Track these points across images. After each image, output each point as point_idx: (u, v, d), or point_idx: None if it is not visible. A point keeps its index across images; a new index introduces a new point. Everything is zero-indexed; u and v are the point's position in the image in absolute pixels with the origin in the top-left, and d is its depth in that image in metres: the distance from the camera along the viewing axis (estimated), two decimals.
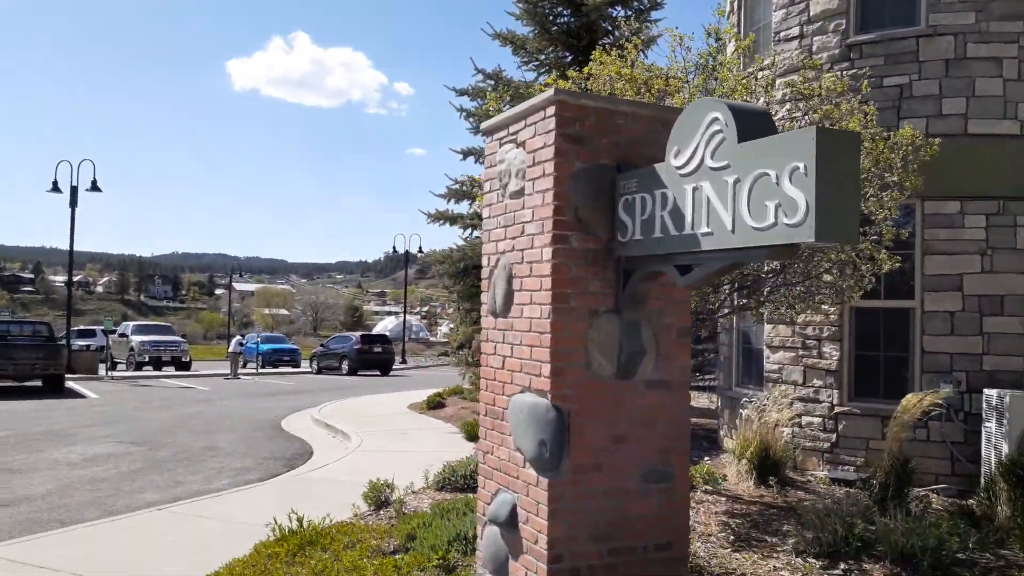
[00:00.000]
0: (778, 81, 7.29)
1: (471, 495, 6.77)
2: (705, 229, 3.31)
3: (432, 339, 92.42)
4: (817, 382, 8.04)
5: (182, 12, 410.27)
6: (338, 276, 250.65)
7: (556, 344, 3.83)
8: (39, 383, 19.02)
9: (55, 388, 18.65)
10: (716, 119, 3.28)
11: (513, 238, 4.22)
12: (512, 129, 4.31)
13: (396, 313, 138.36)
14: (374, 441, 10.72)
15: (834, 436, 7.92)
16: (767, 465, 7.27)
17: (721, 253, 3.30)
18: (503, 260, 4.33)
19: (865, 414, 7.74)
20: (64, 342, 21.41)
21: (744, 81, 6.21)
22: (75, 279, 29.33)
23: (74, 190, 25.87)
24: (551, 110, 3.90)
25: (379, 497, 6.76)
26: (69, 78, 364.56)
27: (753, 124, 3.23)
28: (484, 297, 4.57)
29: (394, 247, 45.54)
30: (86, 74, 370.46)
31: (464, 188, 11.93)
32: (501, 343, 4.30)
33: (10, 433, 11.60)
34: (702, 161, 3.35)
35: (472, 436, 10.72)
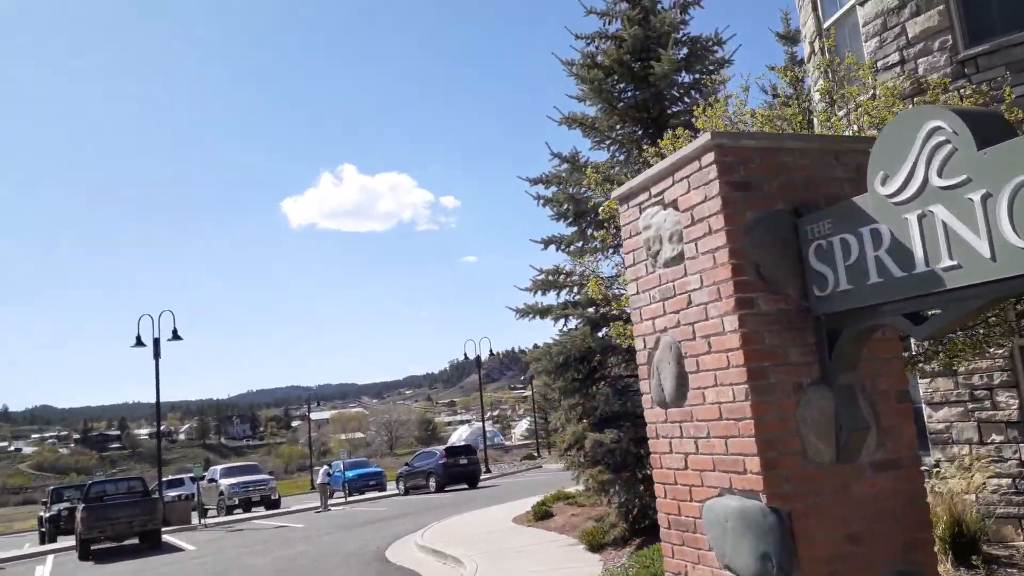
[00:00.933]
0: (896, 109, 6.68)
1: None
2: (948, 263, 2.65)
3: (507, 443, 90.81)
4: (997, 437, 7.01)
5: (234, 162, 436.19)
6: (407, 391, 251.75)
7: (761, 431, 3.14)
8: (136, 540, 18.72)
9: (153, 544, 18.28)
10: (938, 129, 2.68)
11: (676, 312, 3.61)
12: (655, 190, 3.78)
13: (468, 421, 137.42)
14: (489, 565, 9.86)
15: None
16: (962, 542, 6.24)
17: (977, 289, 2.62)
18: (665, 339, 3.70)
19: None
20: (158, 495, 21.21)
21: (871, 110, 5.61)
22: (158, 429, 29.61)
23: (156, 342, 26.32)
24: (709, 157, 3.35)
25: None
26: (134, 235, 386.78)
27: (988, 127, 2.61)
28: (644, 386, 3.92)
29: (465, 353, 45.21)
30: (148, 230, 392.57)
31: (551, 278, 11.46)
32: (679, 438, 3.62)
33: None
34: (925, 182, 2.73)
35: (594, 547, 9.79)
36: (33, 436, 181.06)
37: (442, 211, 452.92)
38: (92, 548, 17.90)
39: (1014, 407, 6.90)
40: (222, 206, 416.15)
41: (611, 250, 10.24)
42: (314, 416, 77.27)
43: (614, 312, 10.44)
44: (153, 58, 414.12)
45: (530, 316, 12.01)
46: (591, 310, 10.86)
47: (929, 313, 2.93)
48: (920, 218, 2.75)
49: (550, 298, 11.59)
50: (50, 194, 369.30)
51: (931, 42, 7.42)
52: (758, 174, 3.36)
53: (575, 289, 11.93)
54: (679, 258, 3.59)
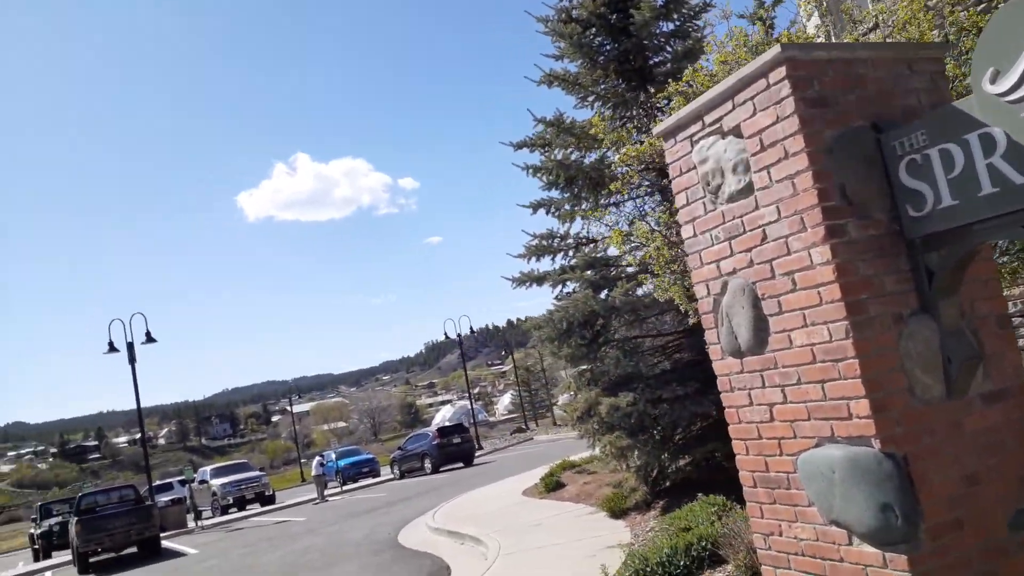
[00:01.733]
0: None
1: None
2: None
3: (492, 419, 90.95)
4: None
5: (180, 158, 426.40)
6: (384, 377, 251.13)
7: (867, 370, 2.83)
8: (135, 549, 18.25)
9: (153, 551, 17.81)
10: None
11: (748, 250, 3.28)
12: (711, 118, 3.43)
13: (449, 401, 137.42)
14: (509, 540, 9.60)
15: None
16: None
17: None
18: (735, 282, 3.38)
19: None
20: (151, 502, 20.67)
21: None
22: (139, 436, 28.93)
23: (130, 347, 25.55)
24: (779, 73, 3.01)
25: None
26: (91, 241, 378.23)
27: None
28: (710, 336, 3.61)
29: (445, 333, 44.74)
30: (105, 234, 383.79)
31: (545, 243, 11.09)
32: (760, 388, 3.31)
33: None
34: None
35: (616, 513, 9.57)
36: (9, 454, 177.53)
37: (401, 193, 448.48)
38: (91, 560, 17.40)
39: None
40: (177, 205, 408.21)
41: (629, 201, 9.93)
42: (294, 409, 76.66)
43: (623, 270, 10.16)
44: (101, 51, 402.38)
45: (527, 284, 11.66)
46: (590, 272, 10.55)
47: None
48: None
49: (545, 264, 11.26)
50: None
51: None
52: (833, 88, 3.03)
53: (570, 253, 11.61)
54: (747, 190, 3.25)
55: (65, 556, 20.52)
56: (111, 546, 17.49)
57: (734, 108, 3.27)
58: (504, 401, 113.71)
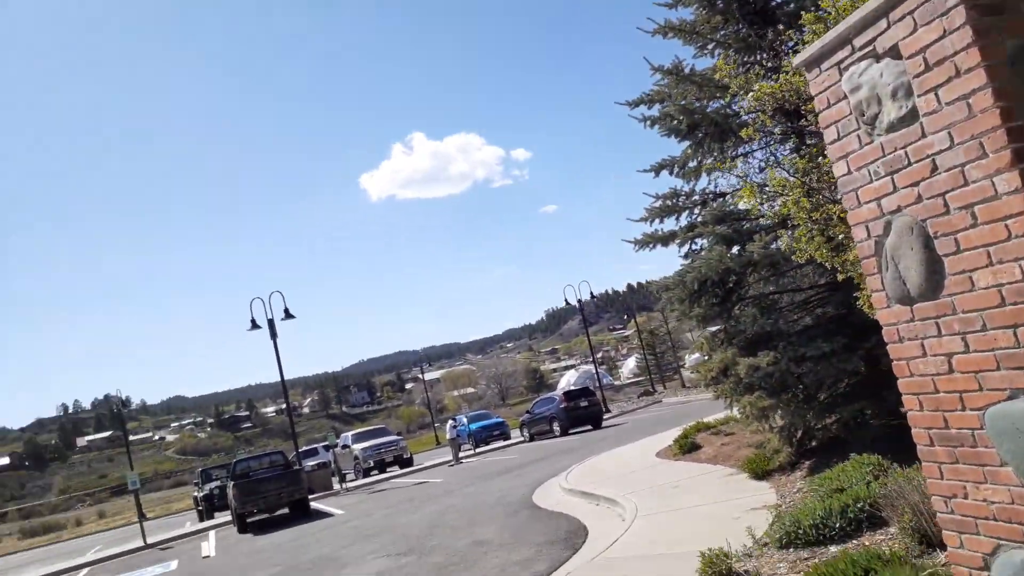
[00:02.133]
0: None
1: (836, 548, 5.36)
2: None
3: (616, 383, 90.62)
4: None
5: (309, 147, 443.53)
6: (508, 344, 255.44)
7: None
8: (286, 510, 19.46)
9: (303, 512, 18.94)
10: None
11: (915, 183, 2.95)
12: (860, 41, 3.09)
13: (573, 366, 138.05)
14: (646, 502, 9.47)
15: None
16: None
17: None
18: (900, 221, 3.05)
19: None
20: (300, 467, 21.97)
21: None
22: (284, 406, 30.68)
23: (271, 323, 27.05)
24: None
25: (719, 570, 5.49)
26: (228, 227, 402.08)
27: None
28: (873, 282, 3.29)
29: (565, 299, 44.73)
30: (240, 220, 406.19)
31: (669, 203, 10.71)
32: (935, 337, 2.99)
33: (281, 568, 11.39)
34: None
35: (759, 474, 9.23)
36: (172, 425, 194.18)
37: (514, 165, 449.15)
38: (248, 521, 18.71)
39: None
40: (306, 191, 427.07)
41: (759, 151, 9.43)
42: (425, 377, 79.42)
43: (757, 223, 9.68)
44: (217, 50, 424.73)
45: (650, 245, 11.33)
46: (721, 227, 10.11)
47: None
48: None
49: (669, 224, 10.88)
50: (130, 187, 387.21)
51: None
52: None
53: (696, 210, 11.19)
54: (911, 117, 2.91)
55: (225, 517, 22.18)
56: (265, 507, 18.74)
57: (889, 26, 2.93)
58: (629, 365, 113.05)
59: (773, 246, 9.79)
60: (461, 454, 26.92)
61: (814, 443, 9.20)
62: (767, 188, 7.51)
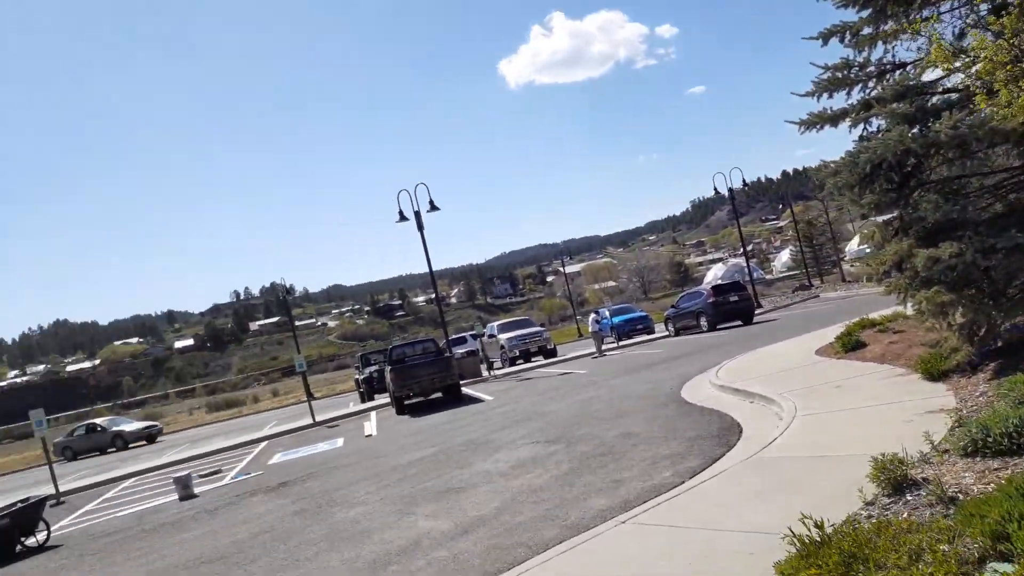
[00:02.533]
0: None
1: None
2: None
3: (768, 277, 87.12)
4: None
5: (445, 32, 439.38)
6: (651, 237, 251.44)
7: None
8: (439, 395, 20.49)
9: (455, 397, 19.88)
10: None
11: None
12: None
13: (721, 259, 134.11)
14: (806, 401, 9.05)
15: None
16: None
17: None
18: None
19: None
20: (450, 354, 22.92)
21: None
22: (433, 296, 31.86)
23: (417, 215, 27.77)
24: None
25: (893, 476, 5.13)
26: (382, 119, 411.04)
27: None
28: None
29: (715, 188, 42.75)
30: (388, 112, 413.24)
31: (839, 75, 9.67)
32: None
33: (436, 450, 12.02)
34: None
35: (933, 375, 8.55)
36: (332, 312, 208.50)
37: (659, 43, 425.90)
38: (405, 403, 19.89)
39: None
40: (444, 78, 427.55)
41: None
42: (566, 270, 80.00)
43: (946, 98, 8.61)
44: None
45: (817, 126, 10.35)
46: (900, 104, 9.05)
47: None
48: None
49: (838, 100, 9.85)
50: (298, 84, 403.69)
51: None
52: None
53: (871, 83, 10.08)
54: None
55: (384, 399, 23.70)
56: (419, 391, 19.81)
57: None
58: (782, 258, 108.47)
59: (962, 126, 8.69)
60: (604, 347, 27.09)
61: (999, 343, 8.36)
62: (969, 51, 6.55)
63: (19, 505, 11.33)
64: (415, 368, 19.75)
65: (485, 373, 26.15)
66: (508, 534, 6.57)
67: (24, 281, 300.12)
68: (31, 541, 11.14)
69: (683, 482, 6.93)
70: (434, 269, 28.71)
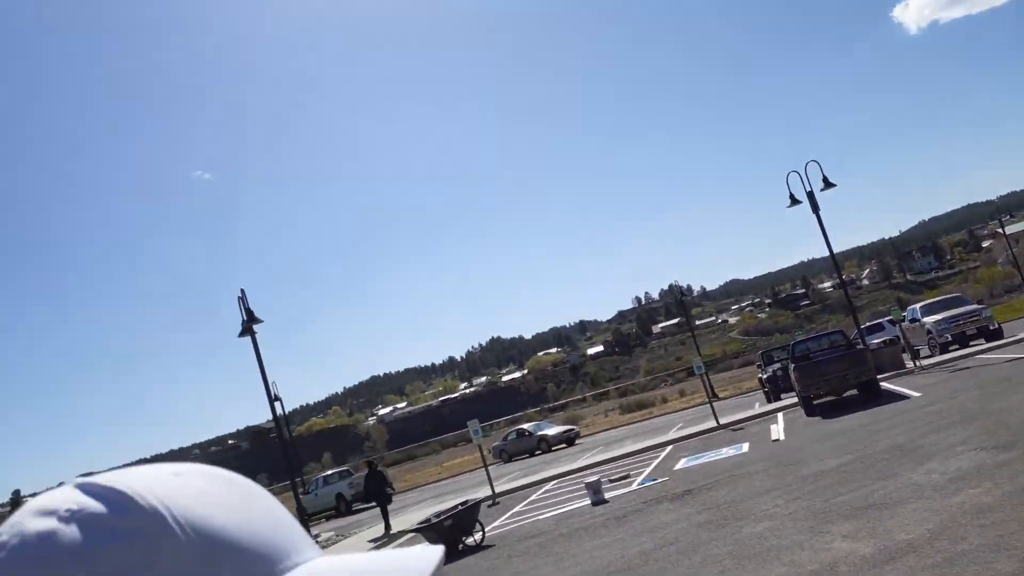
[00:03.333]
0: None
1: None
2: None
3: None
4: None
5: None
6: None
7: None
8: (854, 392, 18.46)
9: (872, 394, 17.70)
10: None
11: None
12: None
13: None
14: None
15: None
16: None
17: None
18: None
19: None
20: (863, 345, 20.60)
21: None
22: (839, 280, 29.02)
23: (810, 195, 25.66)
24: None
25: None
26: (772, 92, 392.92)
27: None
28: None
29: None
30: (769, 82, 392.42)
31: None
32: None
33: (853, 457, 10.65)
34: None
35: None
36: (732, 308, 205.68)
37: None
38: (814, 403, 18.31)
39: None
40: (827, 34, 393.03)
41: None
42: (1007, 231, 67.30)
43: None
44: None
45: None
46: None
47: None
48: None
49: None
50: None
51: None
52: None
53: None
54: None
55: (791, 399, 22.17)
56: (828, 390, 18.02)
57: None
58: None
59: None
60: None
61: None
62: None
63: (459, 508, 12.83)
64: (821, 364, 18.03)
65: (909, 364, 22.92)
66: (948, 565, 5.36)
67: (465, 306, 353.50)
68: (470, 540, 12.52)
69: None
70: (839, 250, 26.26)
